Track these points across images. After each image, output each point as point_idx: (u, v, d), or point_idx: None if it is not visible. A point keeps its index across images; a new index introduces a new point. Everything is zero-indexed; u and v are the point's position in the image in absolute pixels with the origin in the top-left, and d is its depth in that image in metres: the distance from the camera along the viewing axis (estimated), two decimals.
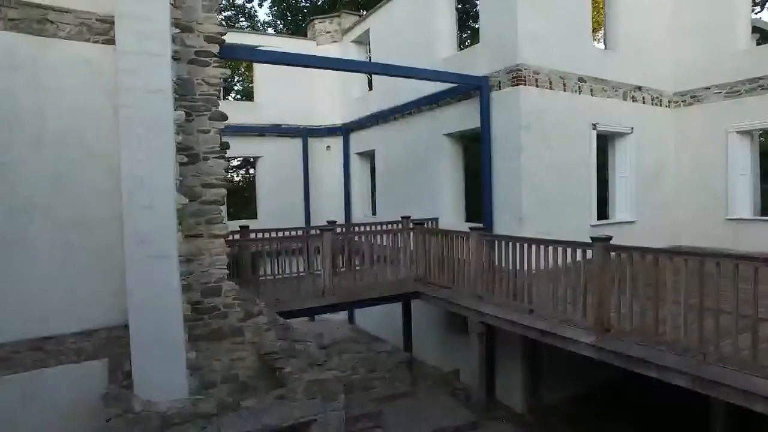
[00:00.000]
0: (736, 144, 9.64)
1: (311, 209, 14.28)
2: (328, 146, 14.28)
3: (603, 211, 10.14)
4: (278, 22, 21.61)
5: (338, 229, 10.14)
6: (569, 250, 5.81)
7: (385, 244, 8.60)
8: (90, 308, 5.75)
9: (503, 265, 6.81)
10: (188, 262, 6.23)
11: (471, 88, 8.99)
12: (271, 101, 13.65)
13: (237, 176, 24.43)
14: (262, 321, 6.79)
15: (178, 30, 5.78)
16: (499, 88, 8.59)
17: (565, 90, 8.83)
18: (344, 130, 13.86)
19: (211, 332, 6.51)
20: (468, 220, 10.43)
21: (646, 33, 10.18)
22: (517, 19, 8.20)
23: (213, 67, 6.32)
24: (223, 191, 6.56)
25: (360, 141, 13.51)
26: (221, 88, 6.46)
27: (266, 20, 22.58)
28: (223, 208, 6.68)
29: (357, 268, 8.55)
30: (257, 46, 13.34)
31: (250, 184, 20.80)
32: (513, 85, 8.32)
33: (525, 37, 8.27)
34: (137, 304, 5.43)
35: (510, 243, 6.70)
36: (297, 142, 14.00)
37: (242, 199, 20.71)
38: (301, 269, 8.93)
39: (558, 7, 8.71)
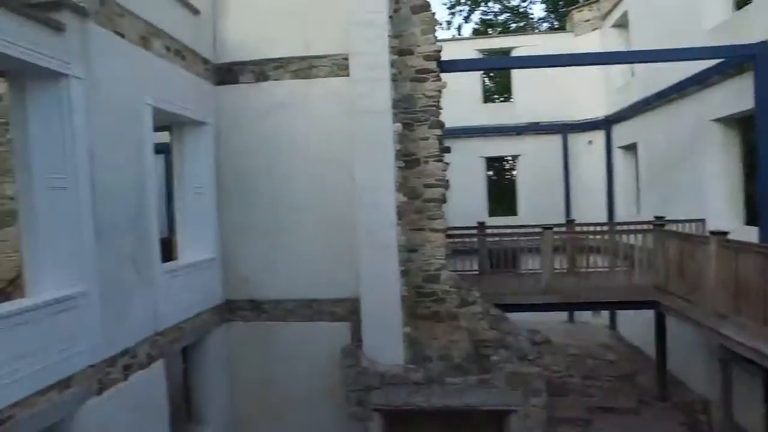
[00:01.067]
0: None
1: (571, 207, 13.82)
2: (590, 141, 13.53)
3: None
4: (552, 16, 21.27)
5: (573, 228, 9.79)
6: None
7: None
8: (340, 282, 7.37)
9: (753, 279, 5.56)
10: (411, 252, 7.29)
11: (742, 60, 7.37)
12: (529, 99, 13.81)
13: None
14: (476, 310, 7.34)
15: (396, 56, 6.84)
16: None
17: None
18: (606, 123, 12.90)
19: (431, 314, 7.42)
20: (750, 223, 8.48)
21: None
22: None
23: (431, 81, 7.22)
24: (442, 190, 7.37)
25: (622, 133, 12.36)
26: (439, 100, 7.27)
27: (542, 16, 22.50)
28: (444, 205, 7.49)
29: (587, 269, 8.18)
30: (513, 48, 13.81)
31: None
32: None
33: None
34: (366, 283, 6.81)
35: (759, 252, 5.43)
36: (556, 139, 13.78)
37: None
38: (537, 266, 8.98)
39: None
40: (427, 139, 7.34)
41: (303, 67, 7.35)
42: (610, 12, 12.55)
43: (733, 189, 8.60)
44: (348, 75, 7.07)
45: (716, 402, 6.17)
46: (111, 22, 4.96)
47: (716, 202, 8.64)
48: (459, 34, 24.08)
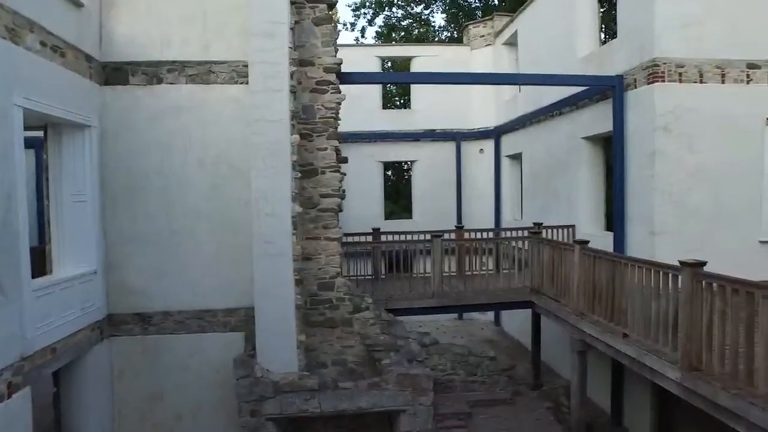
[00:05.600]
0: None
1: (463, 212, 14.65)
2: (482, 149, 14.44)
3: None
4: (452, 26, 22.33)
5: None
6: (661, 274, 5.27)
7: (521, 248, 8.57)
8: (234, 291, 7.26)
9: (604, 282, 6.40)
10: (306, 260, 7.40)
11: (605, 89, 8.38)
12: (427, 108, 14.39)
13: None
14: (369, 315, 7.65)
15: (295, 67, 6.88)
16: (635, 87, 7.83)
17: (723, 82, 7.55)
18: (496, 133, 13.88)
19: (325, 321, 7.60)
20: (609, 229, 9.65)
21: None
22: (654, 4, 7.35)
23: (330, 93, 7.38)
24: (338, 200, 7.57)
25: (510, 143, 13.40)
26: (338, 111, 7.44)
27: (442, 24, 23.54)
28: (340, 214, 7.68)
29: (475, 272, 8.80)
30: (413, 57, 14.38)
31: None
32: (648, 83, 7.52)
33: (666, 25, 7.34)
34: (260, 292, 6.80)
35: (608, 260, 6.27)
36: (450, 146, 14.51)
37: None
38: (430, 269, 9.43)
39: None
40: (325, 149, 7.49)
41: (201, 72, 7.13)
42: (501, 31, 13.49)
43: (597, 199, 9.75)
44: (246, 83, 6.99)
45: (575, 385, 7.04)
46: None
47: (584, 210, 9.73)
48: (363, 36, 24.42)
